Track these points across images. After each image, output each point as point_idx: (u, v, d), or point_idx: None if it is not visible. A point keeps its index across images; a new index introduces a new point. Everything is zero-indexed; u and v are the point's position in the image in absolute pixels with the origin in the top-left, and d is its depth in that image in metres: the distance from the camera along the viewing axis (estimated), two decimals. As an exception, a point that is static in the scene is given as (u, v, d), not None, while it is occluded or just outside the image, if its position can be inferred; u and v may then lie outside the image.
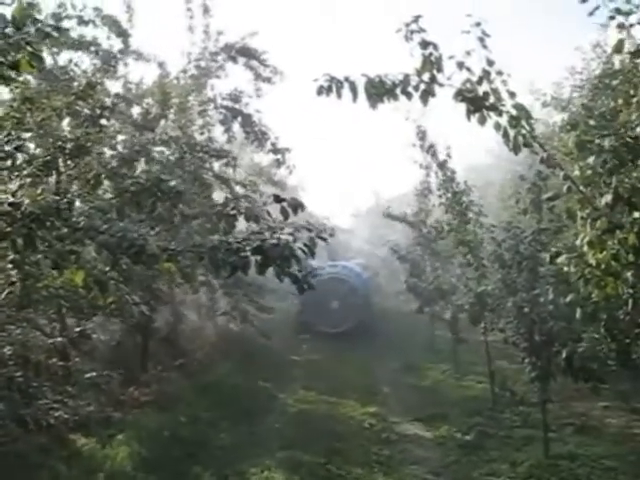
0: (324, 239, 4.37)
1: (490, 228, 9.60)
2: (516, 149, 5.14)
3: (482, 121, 5.20)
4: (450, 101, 5.10)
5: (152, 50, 12.27)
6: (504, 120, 5.15)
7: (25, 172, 6.06)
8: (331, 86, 5.01)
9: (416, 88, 5.10)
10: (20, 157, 5.64)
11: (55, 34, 3.13)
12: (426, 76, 5.07)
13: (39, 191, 4.54)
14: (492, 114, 5.17)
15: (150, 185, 4.86)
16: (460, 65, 5.04)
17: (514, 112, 5.14)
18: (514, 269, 8.53)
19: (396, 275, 24.52)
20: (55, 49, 9.00)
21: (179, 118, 11.22)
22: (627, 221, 4.52)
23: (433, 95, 5.12)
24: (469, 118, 5.15)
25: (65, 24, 8.72)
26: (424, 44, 4.96)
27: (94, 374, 6.66)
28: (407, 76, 5.09)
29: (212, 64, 12.55)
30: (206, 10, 12.58)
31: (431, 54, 5.01)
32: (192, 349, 14.19)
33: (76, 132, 6.44)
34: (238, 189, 13.14)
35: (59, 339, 5.78)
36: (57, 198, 4.17)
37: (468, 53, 5.06)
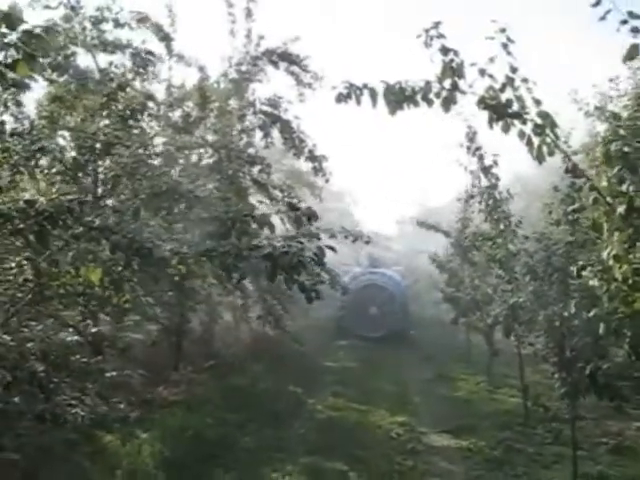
0: (333, 249, 4.31)
1: (522, 240, 9.36)
2: (540, 158, 4.98)
3: (506, 129, 5.07)
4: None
5: (193, 54, 12.38)
6: (528, 128, 5.01)
7: (54, 170, 6.15)
8: (350, 93, 4.95)
9: (437, 95, 5.00)
10: (46, 157, 5.70)
11: (45, 36, 3.10)
12: (447, 83, 4.97)
13: (57, 189, 4.57)
14: (516, 122, 5.05)
15: (168, 188, 4.86)
16: (482, 72, 4.91)
17: (539, 120, 5.00)
18: (546, 281, 8.31)
19: (436, 284, 24.39)
20: (94, 51, 9.13)
21: (218, 122, 11.27)
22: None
23: (455, 102, 5.01)
24: (491, 126, 5.03)
25: (104, 27, 8.87)
26: (444, 50, 4.85)
27: (114, 373, 6.69)
28: (428, 83, 5.00)
29: (253, 68, 12.57)
30: (249, 14, 12.60)
31: (452, 60, 4.90)
32: (225, 351, 14.26)
33: (104, 132, 6.51)
34: (276, 193, 13.15)
35: (76, 337, 5.82)
36: (70, 197, 4.18)
37: (491, 60, 4.94)
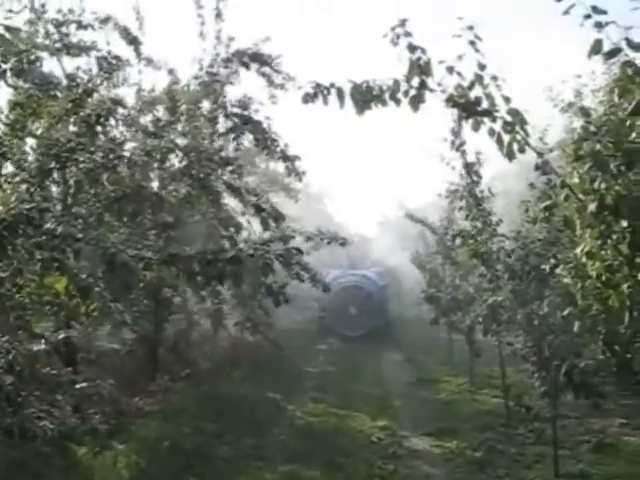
0: (300, 251, 4.32)
1: (501, 238, 9.41)
2: (510, 156, 5.00)
3: (475, 127, 5.08)
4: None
5: (163, 57, 12.32)
6: (498, 126, 5.03)
7: (18, 179, 6.09)
8: (317, 93, 4.95)
9: (405, 94, 5.01)
10: (9, 165, 5.65)
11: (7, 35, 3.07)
12: (415, 81, 4.98)
13: (16, 198, 4.52)
14: (486, 120, 5.07)
15: (131, 192, 4.83)
16: (450, 69, 4.92)
17: (508, 118, 5.02)
18: (524, 280, 8.37)
19: (418, 284, 24.65)
20: (59, 55, 9.05)
21: (188, 125, 11.23)
22: (617, 231, 4.37)
23: (422, 101, 5.01)
24: (460, 124, 5.07)
25: (66, 29, 8.80)
26: (411, 48, 4.85)
27: (86, 384, 6.62)
28: (396, 82, 5.00)
29: (224, 70, 12.55)
30: (218, 15, 12.57)
31: (419, 58, 4.90)
32: (202, 358, 14.20)
33: (69, 139, 6.46)
34: (250, 197, 13.13)
35: (45, 347, 5.76)
36: (29, 206, 4.14)
37: (459, 57, 4.96)
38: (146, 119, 11.84)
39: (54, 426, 5.71)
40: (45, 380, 6.19)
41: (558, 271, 5.26)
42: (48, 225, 4.41)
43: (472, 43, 4.97)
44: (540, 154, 5.44)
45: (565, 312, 5.39)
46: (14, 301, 5.80)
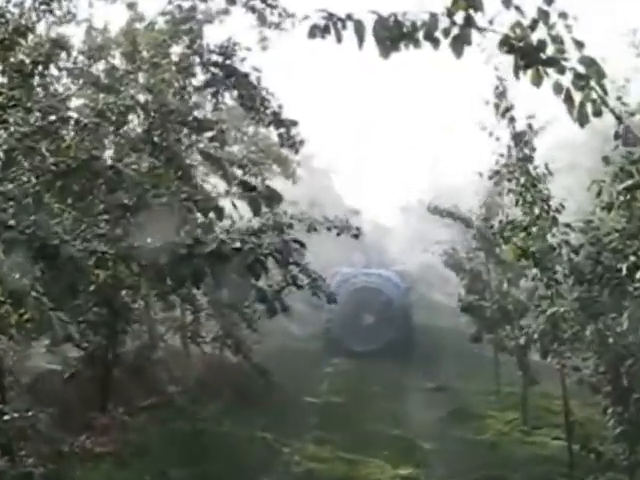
0: (302, 244, 4.27)
1: (564, 230, 9.31)
2: (582, 120, 4.94)
3: (537, 81, 5.03)
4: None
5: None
6: (567, 79, 4.98)
7: None
8: (328, 26, 4.88)
9: (446, 33, 4.95)
10: None
11: None
12: (459, 17, 4.93)
13: None
14: (551, 71, 5.02)
15: (79, 164, 4.78)
16: (507, 2, 4.88)
17: (581, 69, 4.97)
18: (595, 285, 8.31)
19: (453, 286, 24.65)
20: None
21: (153, 77, 11.16)
22: None
23: (469, 43, 4.95)
24: (518, 75, 5.00)
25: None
26: (457, -27, 4.79)
27: (15, 416, 6.60)
28: (434, 16, 4.93)
29: (201, 4, 12.50)
30: None
31: (467, -14, 4.86)
32: (170, 384, 14.18)
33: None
34: (235, 171, 13.09)
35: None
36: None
37: (519, -14, 4.92)
38: (98, 68, 11.80)
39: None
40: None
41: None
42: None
43: (535, -33, 4.94)
44: (620, 118, 5.39)
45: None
46: None
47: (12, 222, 4.33)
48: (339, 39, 4.94)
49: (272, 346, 17.89)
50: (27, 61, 7.05)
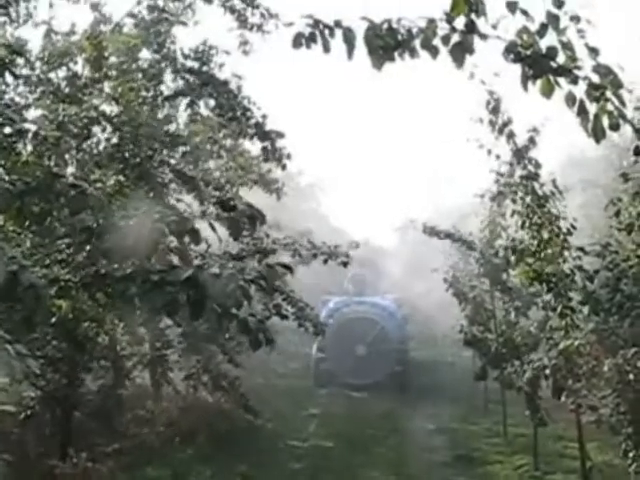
0: (290, 269, 4.28)
1: (578, 254, 9.37)
2: (597, 134, 5.00)
3: (547, 91, 5.08)
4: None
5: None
6: (580, 90, 5.02)
7: None
8: (314, 34, 4.92)
9: (445, 40, 4.99)
10: None
11: None
12: (460, 22, 4.97)
13: None
14: (563, 80, 5.06)
15: (38, 183, 4.79)
16: (512, 6, 4.92)
17: (596, 78, 5.01)
18: (613, 315, 8.36)
19: (454, 316, 24.70)
20: None
21: (120, 85, 11.19)
22: None
23: (471, 51, 5.01)
24: (526, 86, 5.04)
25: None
26: (457, -27, 4.83)
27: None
28: (432, 22, 4.98)
29: (173, 4, 12.56)
30: None
31: (469, -12, 4.89)
32: (138, 428, 14.12)
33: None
34: (210, 191, 13.08)
35: None
36: None
37: (526, -13, 4.96)
38: (58, 75, 11.82)
39: None
40: None
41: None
42: None
43: (543, -33, 4.99)
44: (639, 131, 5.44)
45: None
46: None
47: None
48: (327, 49, 4.99)
49: (254, 383, 17.80)
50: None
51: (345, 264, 12.64)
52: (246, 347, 15.04)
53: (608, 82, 4.99)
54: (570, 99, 5.00)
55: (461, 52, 4.98)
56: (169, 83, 12.34)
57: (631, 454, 8.02)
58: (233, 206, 4.42)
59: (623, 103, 5.07)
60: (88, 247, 5.02)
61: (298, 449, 16.02)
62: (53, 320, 8.49)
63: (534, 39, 4.96)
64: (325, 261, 12.52)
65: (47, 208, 4.98)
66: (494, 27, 4.92)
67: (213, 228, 4.72)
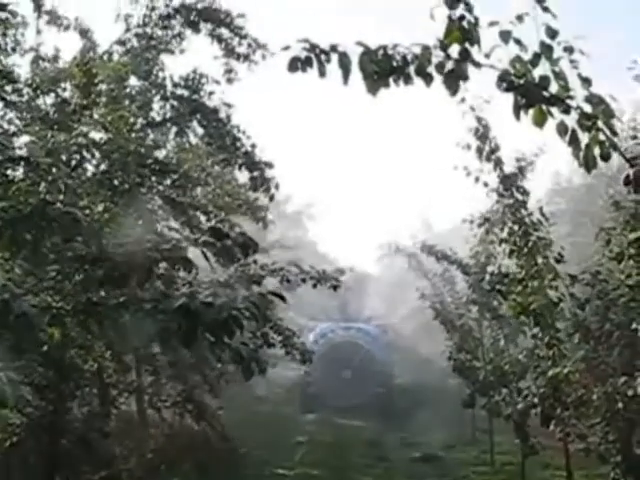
0: (282, 298, 4.26)
1: (567, 282, 9.36)
2: (589, 163, 4.99)
3: (540, 120, 5.08)
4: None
5: (74, 12, 12.34)
6: (572, 120, 5.02)
7: None
8: (310, 58, 4.90)
9: (440, 68, 4.99)
10: None
11: None
12: (454, 50, 4.97)
13: None
14: (555, 110, 5.06)
15: (31, 211, 4.76)
16: (505, 35, 4.92)
17: (588, 108, 5.01)
18: (603, 344, 8.37)
19: (440, 341, 24.78)
20: None
21: (109, 112, 11.16)
22: None
23: (465, 79, 5.01)
24: (518, 115, 5.03)
25: None
26: (451, 1, 4.83)
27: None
28: (427, 49, 4.97)
29: (162, 32, 12.56)
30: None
31: (463, 17, 4.88)
32: (124, 456, 14.01)
33: None
34: (199, 217, 13.06)
35: None
36: None
37: (520, 19, 4.95)
38: (47, 102, 11.79)
39: None
40: None
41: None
42: None
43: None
44: (630, 162, 5.42)
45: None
46: None
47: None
48: (322, 73, 4.97)
49: (240, 411, 17.73)
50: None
51: (335, 288, 12.59)
52: (230, 376, 15.08)
53: (600, 112, 5.00)
54: (562, 128, 4.99)
55: (455, 80, 4.98)
56: (158, 110, 12.25)
57: (620, 485, 7.98)
58: (226, 234, 4.38)
59: (615, 133, 5.07)
60: (80, 275, 4.99)
61: (285, 477, 15.94)
62: (38, 347, 8.44)
63: (527, 68, 4.96)
64: (314, 285, 12.47)
65: (39, 235, 4.93)
66: (487, 56, 4.92)
67: (206, 257, 4.67)
